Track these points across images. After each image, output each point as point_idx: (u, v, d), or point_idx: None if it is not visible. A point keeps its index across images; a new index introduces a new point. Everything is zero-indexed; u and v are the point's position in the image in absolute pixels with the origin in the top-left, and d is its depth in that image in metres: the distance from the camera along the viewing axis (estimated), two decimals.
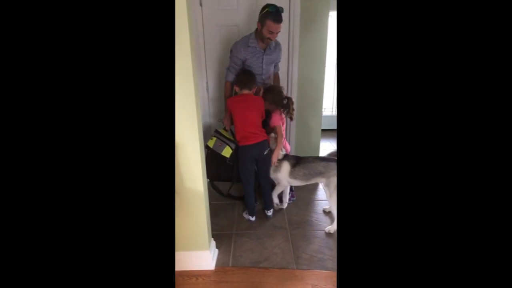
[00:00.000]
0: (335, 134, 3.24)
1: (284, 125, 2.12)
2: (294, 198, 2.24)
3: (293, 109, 2.00)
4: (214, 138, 1.93)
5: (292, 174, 1.93)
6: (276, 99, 1.96)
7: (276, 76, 2.21)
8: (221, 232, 1.89)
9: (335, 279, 1.48)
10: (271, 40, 1.87)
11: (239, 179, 1.99)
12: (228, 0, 2.20)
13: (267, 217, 2.04)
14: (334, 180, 1.82)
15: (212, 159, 1.90)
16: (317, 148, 2.66)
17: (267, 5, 1.78)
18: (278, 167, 1.95)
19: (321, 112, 2.58)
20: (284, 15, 1.87)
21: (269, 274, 1.56)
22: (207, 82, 2.41)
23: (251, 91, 1.89)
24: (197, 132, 1.31)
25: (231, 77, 1.99)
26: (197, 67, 2.24)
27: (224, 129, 2.02)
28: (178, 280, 1.52)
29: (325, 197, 2.27)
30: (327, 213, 2.09)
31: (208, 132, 2.39)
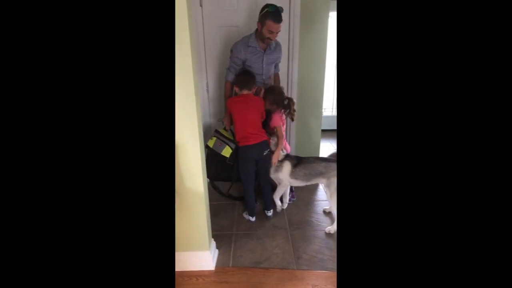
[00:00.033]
0: (335, 134, 3.24)
1: (284, 126, 2.12)
2: (294, 199, 2.24)
3: (294, 110, 2.00)
4: (214, 138, 1.94)
5: (293, 174, 1.93)
6: (277, 99, 1.96)
7: (277, 77, 2.21)
8: (221, 233, 1.88)
9: (335, 279, 1.48)
10: (271, 40, 1.87)
11: (238, 179, 1.99)
12: (229, 0, 2.20)
13: (267, 217, 2.04)
14: (334, 181, 1.82)
15: (212, 159, 1.90)
16: (317, 149, 2.66)
17: (267, 5, 1.79)
18: (279, 167, 1.95)
19: (321, 112, 2.58)
20: (284, 16, 1.87)
21: (269, 275, 1.56)
22: (207, 82, 2.41)
23: (250, 91, 1.89)
24: (197, 132, 1.31)
25: (231, 77, 1.99)
26: (197, 67, 2.24)
27: (224, 129, 2.02)
28: (178, 281, 1.52)
29: (325, 198, 2.27)
30: (327, 213, 2.09)
31: (208, 132, 2.39)
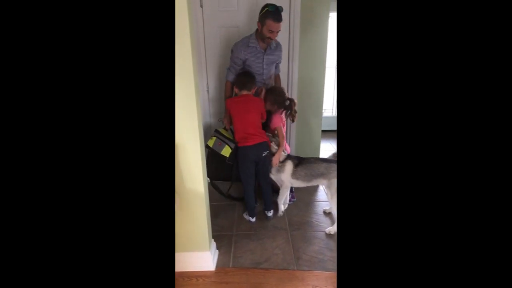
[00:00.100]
0: (335, 135, 3.24)
1: (285, 127, 2.12)
2: (295, 199, 2.24)
3: (295, 111, 2.00)
4: (214, 138, 1.94)
5: (294, 174, 1.93)
6: (277, 100, 1.96)
7: (278, 78, 2.21)
8: (221, 233, 1.88)
9: (335, 280, 1.48)
10: (271, 39, 1.87)
11: (238, 179, 1.99)
12: (229, 1, 2.20)
13: (267, 217, 2.04)
14: (335, 182, 1.82)
15: (212, 158, 1.91)
16: (317, 149, 2.66)
17: (267, 5, 1.79)
18: (281, 168, 1.95)
19: (321, 113, 2.58)
20: (284, 16, 1.87)
21: (269, 275, 1.56)
22: (207, 83, 2.41)
23: (250, 92, 1.89)
24: (197, 132, 1.31)
25: (231, 77, 1.99)
26: (198, 67, 2.25)
27: (224, 128, 2.03)
28: (178, 281, 1.52)
29: (325, 198, 2.27)
30: (328, 214, 2.09)
31: (208, 132, 2.39)
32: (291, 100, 2.00)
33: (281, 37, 2.09)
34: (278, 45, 2.03)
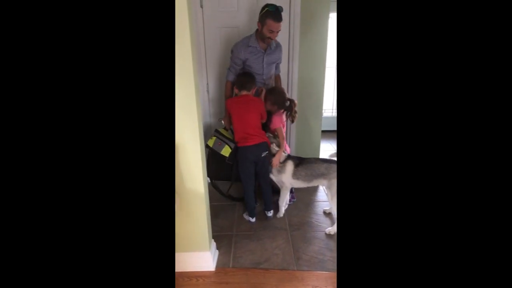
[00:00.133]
0: (335, 135, 3.24)
1: (285, 128, 2.12)
2: (295, 199, 2.24)
3: (296, 112, 2.00)
4: (214, 137, 1.94)
5: (295, 175, 1.93)
6: (278, 100, 1.95)
7: (278, 78, 2.21)
8: (221, 233, 1.88)
9: (335, 280, 1.48)
10: (271, 39, 1.87)
11: (238, 179, 1.99)
12: (229, 1, 2.20)
13: (267, 217, 2.04)
14: (335, 182, 1.82)
15: (212, 158, 1.91)
16: (317, 149, 2.66)
17: (267, 5, 1.79)
18: (282, 168, 1.95)
19: (321, 113, 2.58)
20: (284, 16, 1.87)
21: (269, 275, 1.56)
22: (207, 83, 2.41)
23: (250, 92, 1.89)
24: (198, 133, 1.31)
25: (231, 77, 2.00)
26: (198, 67, 2.25)
27: (224, 128, 2.03)
28: (178, 281, 1.52)
29: (325, 199, 2.27)
30: (327, 214, 2.09)
31: (208, 132, 2.39)
32: (292, 101, 2.00)
33: (281, 37, 2.09)
34: (278, 45, 2.03)
